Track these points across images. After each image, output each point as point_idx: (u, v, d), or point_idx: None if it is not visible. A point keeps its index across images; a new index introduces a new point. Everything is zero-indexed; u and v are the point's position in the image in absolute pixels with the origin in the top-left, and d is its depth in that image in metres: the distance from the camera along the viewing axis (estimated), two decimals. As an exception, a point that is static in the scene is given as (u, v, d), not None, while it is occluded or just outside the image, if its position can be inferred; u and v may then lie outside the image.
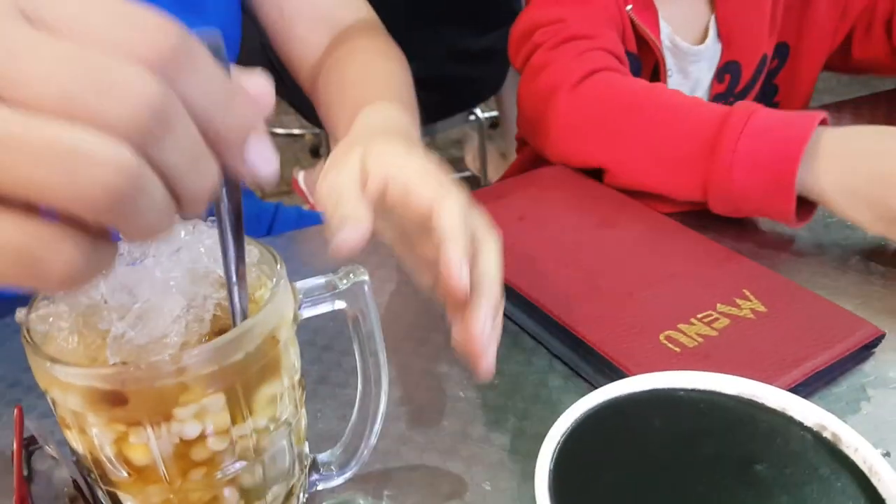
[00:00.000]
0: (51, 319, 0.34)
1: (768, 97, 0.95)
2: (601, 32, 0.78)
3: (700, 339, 0.50)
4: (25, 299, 0.35)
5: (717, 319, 0.52)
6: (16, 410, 0.46)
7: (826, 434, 0.35)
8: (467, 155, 2.42)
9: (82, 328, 0.34)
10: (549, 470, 0.33)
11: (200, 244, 0.36)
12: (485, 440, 0.47)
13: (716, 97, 0.90)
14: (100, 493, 0.37)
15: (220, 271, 0.34)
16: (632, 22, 0.83)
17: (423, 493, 0.43)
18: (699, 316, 0.52)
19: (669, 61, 0.88)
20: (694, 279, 0.56)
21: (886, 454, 0.44)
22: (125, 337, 0.33)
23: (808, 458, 0.34)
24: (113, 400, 0.32)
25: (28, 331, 0.33)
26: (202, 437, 0.34)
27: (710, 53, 0.89)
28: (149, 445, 0.34)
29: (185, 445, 0.34)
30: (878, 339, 0.50)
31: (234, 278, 0.33)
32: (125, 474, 0.35)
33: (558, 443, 0.35)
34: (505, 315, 0.57)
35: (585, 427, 0.36)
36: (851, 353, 0.49)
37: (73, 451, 0.36)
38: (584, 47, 0.76)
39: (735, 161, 0.61)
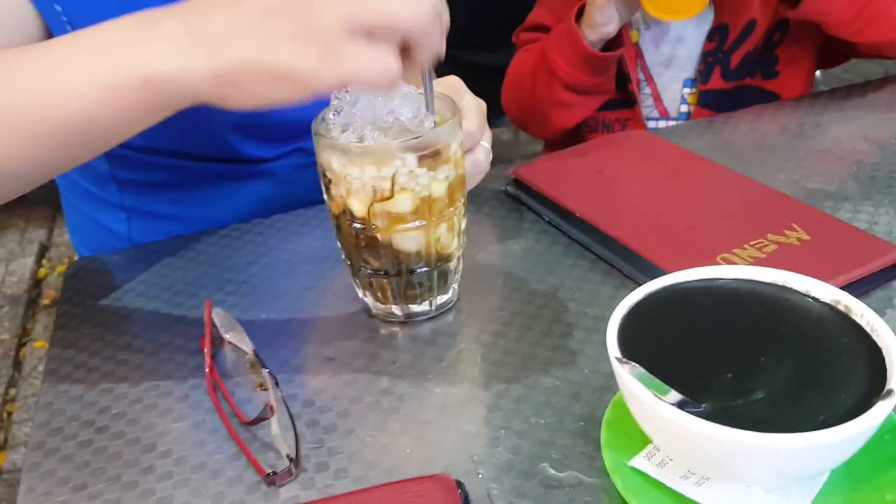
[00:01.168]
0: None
1: (771, 65, 1.02)
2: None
3: (751, 260, 0.60)
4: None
5: (766, 246, 0.61)
6: (206, 303, 0.60)
7: (839, 306, 0.45)
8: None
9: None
10: (619, 326, 0.44)
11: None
12: (566, 334, 0.58)
13: (706, 53, 1.00)
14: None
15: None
16: None
17: (511, 374, 0.55)
18: (752, 243, 0.62)
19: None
20: (749, 215, 0.66)
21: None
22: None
23: (824, 322, 0.44)
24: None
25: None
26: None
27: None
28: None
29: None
30: (907, 261, 0.59)
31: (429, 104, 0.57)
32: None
33: (627, 309, 0.45)
34: (585, 248, 0.68)
35: (649, 303, 0.47)
36: (882, 270, 0.58)
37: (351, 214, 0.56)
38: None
39: None
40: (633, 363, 0.41)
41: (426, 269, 0.60)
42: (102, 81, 0.47)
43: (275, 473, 0.47)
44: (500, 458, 0.48)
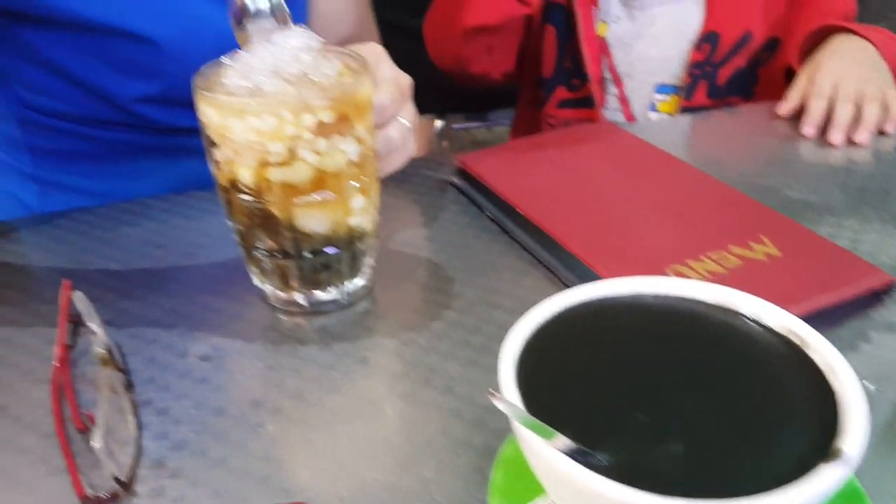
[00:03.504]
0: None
1: (749, 85, 0.93)
2: None
3: (706, 275, 0.51)
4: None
5: (727, 259, 0.53)
6: (64, 284, 0.52)
7: (793, 338, 0.36)
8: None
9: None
10: (521, 344, 0.35)
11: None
12: (485, 348, 0.49)
13: (693, 64, 0.90)
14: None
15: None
16: None
17: (418, 386, 0.46)
18: (711, 254, 0.53)
19: (616, 7, 0.91)
20: (710, 220, 0.57)
21: (877, 389, 0.44)
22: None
23: (771, 358, 0.35)
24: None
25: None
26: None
27: (669, 6, 0.90)
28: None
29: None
30: (889, 287, 0.50)
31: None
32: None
33: (535, 324, 0.37)
34: (525, 248, 0.59)
35: (563, 318, 0.38)
36: (859, 297, 0.49)
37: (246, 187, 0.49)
38: None
39: None
40: (510, 401, 0.32)
41: (336, 251, 0.52)
42: None
43: (96, 497, 0.39)
44: (372, 495, 0.40)
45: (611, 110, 0.94)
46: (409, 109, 0.59)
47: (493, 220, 0.64)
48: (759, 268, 0.52)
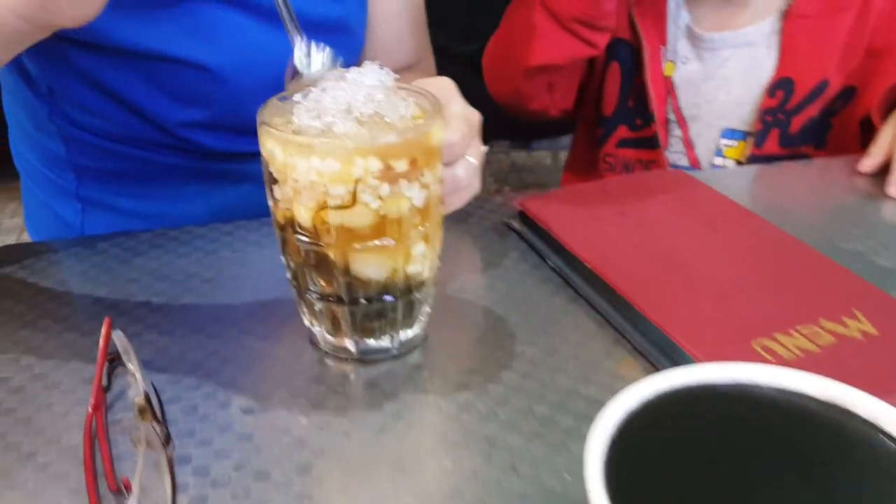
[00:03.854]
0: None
1: (821, 134, 0.88)
2: None
3: (799, 353, 0.46)
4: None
5: (820, 335, 0.48)
6: (105, 322, 0.49)
7: (922, 452, 0.31)
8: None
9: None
10: (608, 438, 0.31)
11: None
12: (549, 420, 0.45)
13: (765, 111, 0.85)
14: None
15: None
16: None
17: (478, 461, 0.42)
18: (801, 328, 0.48)
19: (685, 48, 0.87)
20: (798, 290, 0.53)
21: None
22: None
23: (892, 472, 0.31)
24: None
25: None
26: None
27: (740, 49, 0.85)
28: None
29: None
30: None
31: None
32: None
33: (622, 415, 0.33)
34: (592, 306, 0.55)
35: (649, 413, 0.34)
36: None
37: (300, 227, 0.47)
38: None
39: None
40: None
41: (392, 298, 0.49)
42: None
43: (126, 568, 0.35)
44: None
45: (674, 153, 0.90)
46: (477, 147, 0.56)
47: (555, 272, 0.60)
48: (855, 348, 0.47)
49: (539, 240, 0.63)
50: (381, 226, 0.46)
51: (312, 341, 0.53)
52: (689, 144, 0.89)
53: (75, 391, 0.48)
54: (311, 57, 0.54)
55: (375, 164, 0.44)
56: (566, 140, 1.86)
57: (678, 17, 0.88)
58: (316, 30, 0.74)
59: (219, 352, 0.51)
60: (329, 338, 0.52)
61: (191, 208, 0.76)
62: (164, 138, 0.71)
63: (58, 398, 0.47)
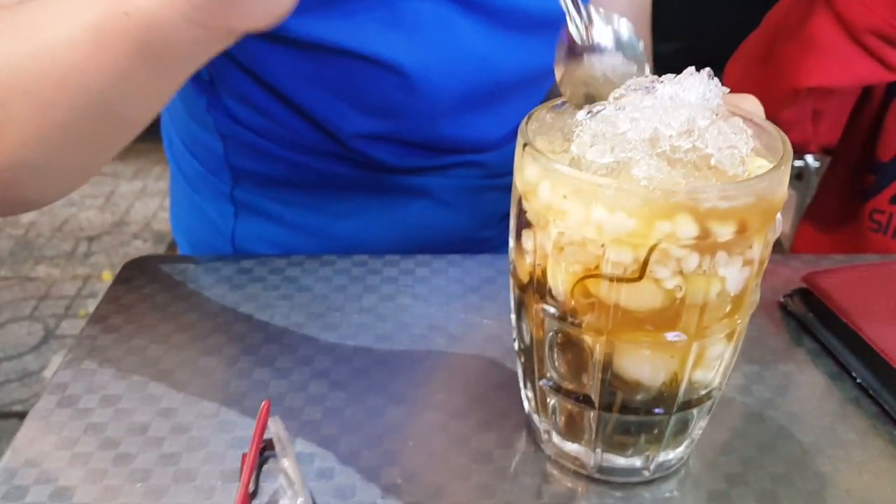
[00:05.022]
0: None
1: None
2: None
3: None
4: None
5: None
6: (263, 406, 0.37)
7: None
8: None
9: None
10: None
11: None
12: None
13: None
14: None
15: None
16: None
17: None
18: None
19: None
20: None
21: None
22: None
23: None
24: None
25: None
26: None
27: None
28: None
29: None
30: None
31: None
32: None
33: None
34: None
35: None
36: None
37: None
38: None
39: None
40: None
41: (661, 412, 0.34)
42: (84, 24, 0.36)
43: None
44: None
45: (971, 220, 0.70)
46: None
47: (846, 370, 0.44)
48: None
49: (824, 326, 0.46)
50: (674, 313, 0.32)
51: (532, 436, 0.39)
52: None
53: (217, 489, 0.36)
54: (592, 25, 0.37)
55: (688, 228, 0.30)
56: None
57: None
58: (536, 25, 0.61)
59: (396, 450, 0.39)
60: (558, 441, 0.38)
61: (355, 225, 0.64)
62: (331, 147, 0.59)
63: (192, 497, 0.35)
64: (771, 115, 0.70)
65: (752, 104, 0.40)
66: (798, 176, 2.11)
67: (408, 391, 0.42)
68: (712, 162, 0.31)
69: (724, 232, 0.30)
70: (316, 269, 0.53)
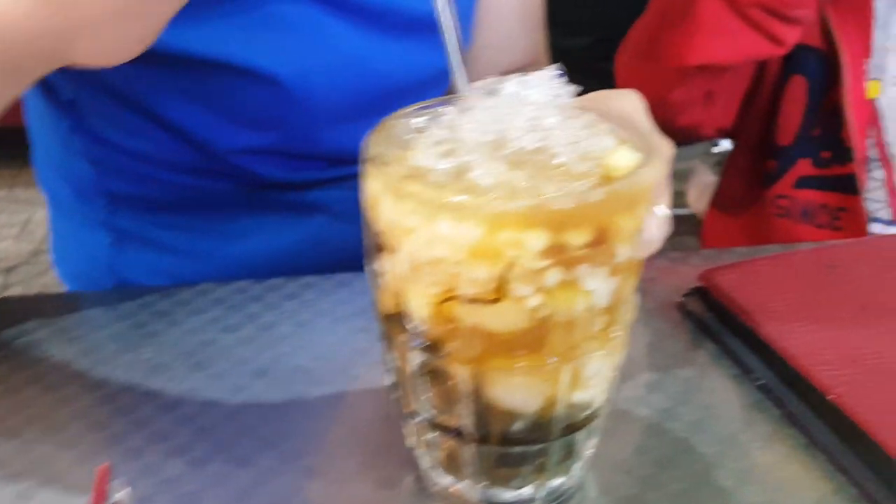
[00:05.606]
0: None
1: None
2: None
3: None
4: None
5: None
6: (98, 470, 0.32)
7: None
8: (691, 191, 2.13)
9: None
10: None
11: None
12: None
13: None
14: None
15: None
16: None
17: None
18: None
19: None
20: None
21: None
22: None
23: None
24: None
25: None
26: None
27: None
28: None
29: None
30: None
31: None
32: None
33: None
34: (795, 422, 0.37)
35: None
36: None
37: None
38: None
39: None
40: None
41: (542, 439, 0.32)
42: None
43: None
44: None
45: (874, 201, 0.69)
46: (669, 192, 0.38)
47: (748, 374, 0.42)
48: None
49: (724, 327, 0.44)
50: (540, 334, 0.29)
51: (415, 475, 0.36)
52: (893, 191, 0.69)
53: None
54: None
55: (539, 238, 0.27)
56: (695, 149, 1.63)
57: (889, 24, 0.67)
58: (419, 27, 0.58)
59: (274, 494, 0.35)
60: (442, 480, 0.35)
61: (247, 246, 0.60)
62: (212, 164, 0.55)
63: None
64: (660, 99, 0.69)
65: (630, 101, 0.38)
66: (720, 163, 2.14)
67: (281, 436, 0.38)
68: (560, 162, 0.28)
69: (580, 240, 0.27)
70: (188, 301, 0.49)
